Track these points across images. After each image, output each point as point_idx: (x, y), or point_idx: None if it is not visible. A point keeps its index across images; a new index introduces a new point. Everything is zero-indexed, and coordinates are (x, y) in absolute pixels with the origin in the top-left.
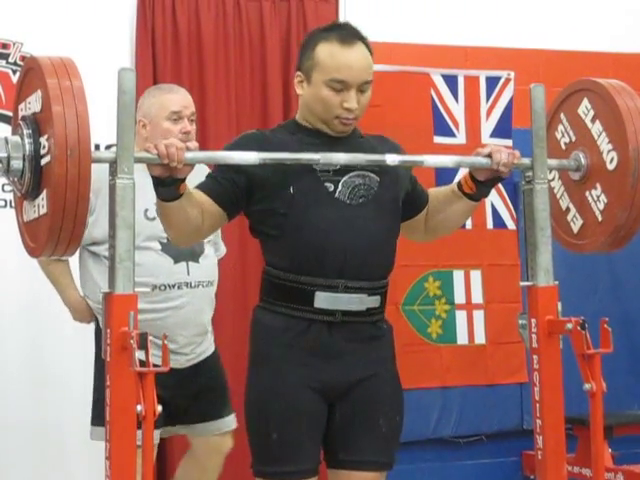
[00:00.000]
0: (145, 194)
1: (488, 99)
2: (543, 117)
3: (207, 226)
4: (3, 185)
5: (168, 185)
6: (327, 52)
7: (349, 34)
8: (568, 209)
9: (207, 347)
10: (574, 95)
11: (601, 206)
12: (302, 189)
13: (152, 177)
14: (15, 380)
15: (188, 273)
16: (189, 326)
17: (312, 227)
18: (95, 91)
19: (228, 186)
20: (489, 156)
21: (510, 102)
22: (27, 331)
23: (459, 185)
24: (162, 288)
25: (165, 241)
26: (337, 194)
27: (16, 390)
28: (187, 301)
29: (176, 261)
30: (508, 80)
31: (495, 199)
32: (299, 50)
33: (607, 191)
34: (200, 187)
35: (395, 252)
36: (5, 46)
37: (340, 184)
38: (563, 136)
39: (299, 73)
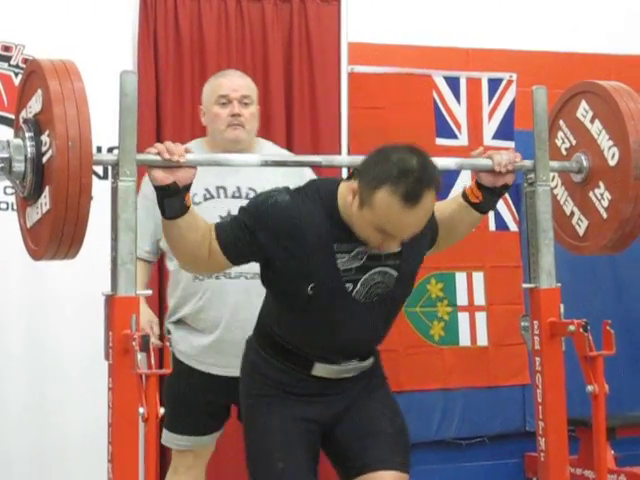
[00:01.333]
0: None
1: (490, 101)
2: (545, 119)
3: (212, 264)
4: (5, 188)
5: (173, 195)
6: (386, 204)
7: (418, 189)
8: (572, 213)
9: None
10: (572, 100)
11: (605, 203)
12: (322, 290)
13: (156, 190)
14: (16, 380)
15: None
16: (236, 319)
17: (323, 324)
18: (97, 94)
19: (240, 245)
20: (489, 158)
21: (512, 104)
22: (29, 331)
23: (464, 195)
24: (200, 278)
25: None
26: (354, 293)
27: (17, 392)
28: (225, 292)
29: None
30: (510, 82)
31: None
32: (366, 159)
33: (610, 187)
34: (218, 229)
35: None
36: (7, 49)
37: (359, 283)
38: (563, 142)
39: (356, 184)
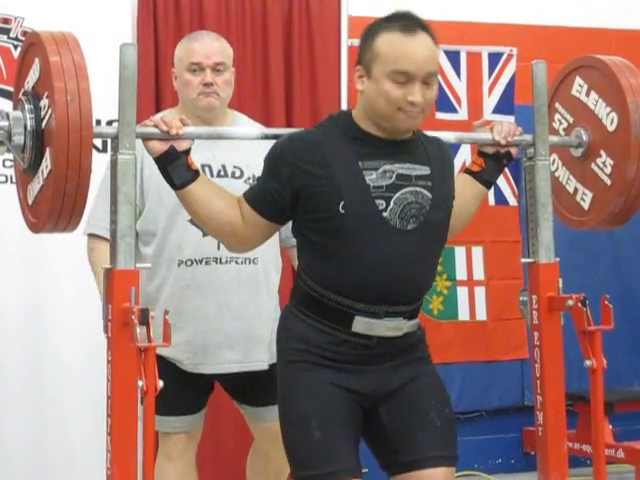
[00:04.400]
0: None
1: (490, 75)
2: (545, 94)
3: (252, 233)
4: (4, 161)
5: (173, 160)
6: (388, 42)
7: (412, 23)
8: (576, 190)
9: (263, 356)
10: (565, 80)
11: (608, 170)
12: (353, 207)
13: (156, 162)
14: (14, 355)
15: (218, 247)
16: (228, 307)
17: (359, 255)
18: (97, 66)
19: (269, 197)
20: (490, 128)
21: (512, 78)
22: (27, 304)
23: (467, 170)
24: (188, 264)
25: None
26: (387, 213)
27: (15, 365)
28: (215, 278)
29: (205, 234)
30: (510, 56)
31: None
32: (359, 43)
33: (612, 153)
34: (245, 191)
35: (436, 270)
36: (6, 21)
37: (392, 201)
38: (561, 123)
39: (359, 67)
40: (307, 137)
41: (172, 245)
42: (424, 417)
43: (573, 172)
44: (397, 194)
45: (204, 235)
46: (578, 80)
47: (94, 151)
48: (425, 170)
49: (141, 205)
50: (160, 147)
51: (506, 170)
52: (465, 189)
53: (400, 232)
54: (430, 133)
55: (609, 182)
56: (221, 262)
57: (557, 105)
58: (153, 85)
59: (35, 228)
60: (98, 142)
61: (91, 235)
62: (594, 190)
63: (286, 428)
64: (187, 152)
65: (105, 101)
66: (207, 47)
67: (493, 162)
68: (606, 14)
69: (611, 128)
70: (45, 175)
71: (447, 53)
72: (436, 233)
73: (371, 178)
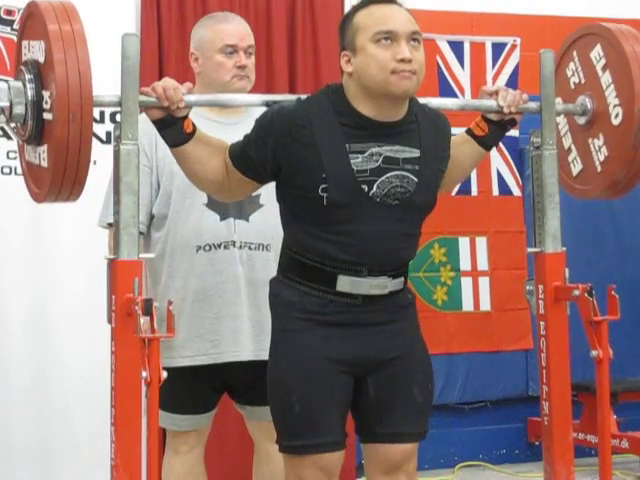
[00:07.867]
0: None
1: (494, 65)
2: (552, 83)
3: (235, 186)
4: (8, 152)
5: (170, 125)
6: (365, 13)
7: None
8: (570, 149)
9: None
10: (588, 37)
11: (602, 157)
12: (334, 191)
13: (153, 123)
14: (18, 343)
15: (234, 231)
16: (242, 295)
17: (341, 228)
18: (100, 57)
19: (249, 161)
20: (495, 94)
21: (516, 68)
22: (31, 292)
23: (469, 131)
24: (207, 249)
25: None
26: (370, 194)
27: (19, 353)
28: (235, 262)
29: (222, 218)
30: (514, 46)
31: (501, 166)
32: (339, 33)
33: (609, 145)
34: (230, 145)
35: (418, 241)
36: (9, 12)
37: (375, 185)
38: (573, 75)
39: (344, 52)
40: (298, 113)
41: (188, 229)
42: (407, 393)
43: (572, 132)
44: (382, 178)
45: (222, 219)
46: (598, 49)
47: (98, 142)
48: (414, 153)
49: (157, 187)
50: (158, 114)
51: (510, 160)
52: (464, 149)
53: (382, 206)
54: (432, 103)
55: (599, 169)
56: (237, 247)
57: (574, 54)
58: (157, 76)
59: (38, 198)
60: (102, 134)
61: (110, 225)
62: (585, 164)
63: (271, 397)
64: (185, 117)
65: (109, 92)
66: (239, 29)
67: (496, 128)
68: (609, 4)
69: (615, 122)
70: (42, 164)
71: (451, 43)
72: (419, 210)
73: (356, 162)
